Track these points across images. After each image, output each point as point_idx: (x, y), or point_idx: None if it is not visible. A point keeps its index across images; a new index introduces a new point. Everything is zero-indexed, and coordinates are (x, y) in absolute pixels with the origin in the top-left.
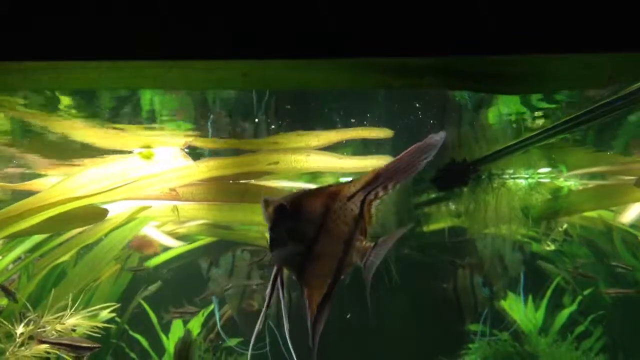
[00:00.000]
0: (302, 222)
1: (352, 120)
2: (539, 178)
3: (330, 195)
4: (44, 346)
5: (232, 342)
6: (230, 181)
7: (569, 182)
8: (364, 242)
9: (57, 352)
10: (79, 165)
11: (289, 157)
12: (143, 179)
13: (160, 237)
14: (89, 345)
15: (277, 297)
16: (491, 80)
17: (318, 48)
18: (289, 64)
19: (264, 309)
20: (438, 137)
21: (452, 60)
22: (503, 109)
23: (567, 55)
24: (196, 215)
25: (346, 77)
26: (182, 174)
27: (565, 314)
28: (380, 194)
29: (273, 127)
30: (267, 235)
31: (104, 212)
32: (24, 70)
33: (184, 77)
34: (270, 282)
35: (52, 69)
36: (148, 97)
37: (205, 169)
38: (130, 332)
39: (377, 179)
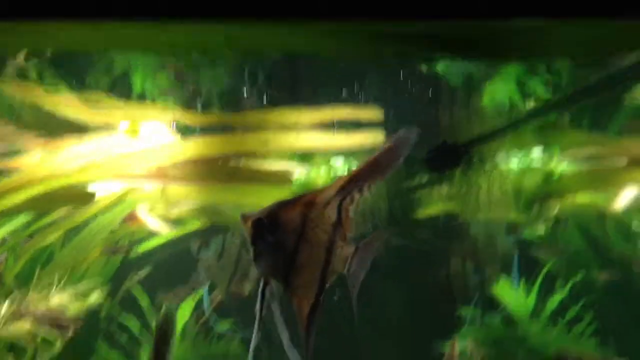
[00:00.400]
0: (282, 234)
1: (344, 98)
2: (532, 160)
3: (306, 203)
4: (28, 324)
5: (223, 326)
6: (220, 162)
7: (562, 164)
8: (345, 248)
9: (40, 328)
10: (62, 141)
11: (278, 136)
12: (129, 156)
13: (150, 221)
14: (70, 320)
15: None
16: (486, 48)
17: (303, 12)
18: (274, 29)
19: (256, 324)
20: (410, 133)
21: (447, 25)
22: (497, 91)
23: (566, 20)
24: (186, 197)
25: (332, 43)
26: (169, 151)
27: (556, 299)
28: (356, 197)
29: (264, 102)
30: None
31: (91, 195)
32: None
33: (166, 40)
34: (259, 296)
35: (32, 31)
36: (139, 74)
37: (193, 147)
38: (121, 316)
39: (352, 183)
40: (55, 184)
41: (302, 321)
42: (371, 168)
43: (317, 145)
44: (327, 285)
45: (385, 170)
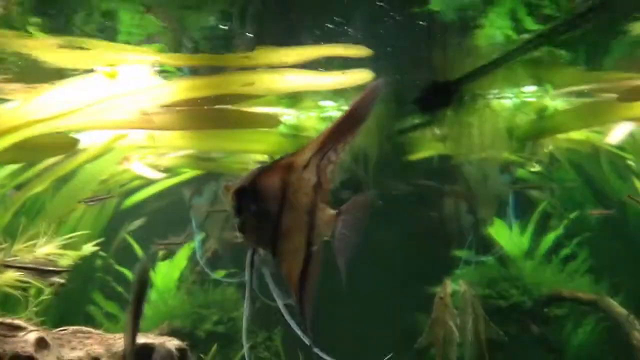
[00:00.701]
0: (263, 201)
1: (333, 37)
2: (525, 97)
3: (285, 167)
4: (13, 274)
5: (218, 274)
6: (206, 107)
7: (555, 101)
8: (327, 211)
9: (29, 277)
10: (42, 87)
11: (264, 77)
12: (111, 99)
13: (141, 169)
14: (55, 268)
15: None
16: None
17: None
18: None
19: (247, 293)
20: (376, 85)
21: None
22: (491, 27)
23: None
24: (175, 144)
25: None
26: (152, 94)
27: (550, 237)
28: (333, 157)
29: (250, 43)
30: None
31: (75, 142)
32: None
33: None
34: (248, 265)
35: None
36: (124, 16)
37: (177, 89)
38: (116, 267)
39: (326, 143)
40: (36, 131)
41: (293, 287)
42: (343, 127)
43: (304, 85)
44: (314, 249)
45: (357, 126)
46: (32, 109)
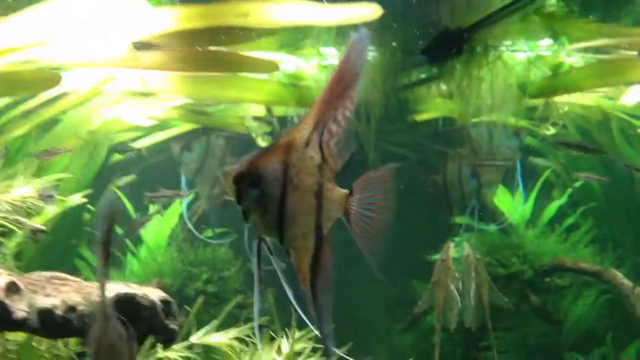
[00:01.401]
0: (266, 185)
1: None
2: (539, 51)
3: (284, 147)
4: None
5: (207, 233)
6: (199, 47)
7: (571, 57)
8: (337, 190)
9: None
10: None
11: (260, 7)
12: (93, 26)
13: (131, 117)
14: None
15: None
16: None
17: None
18: None
19: (256, 285)
20: (360, 35)
21: None
22: None
23: None
24: (166, 89)
25: None
26: (140, 22)
27: (554, 206)
28: (334, 129)
29: None
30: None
31: (57, 78)
32: None
33: None
34: (255, 255)
35: None
36: None
37: (166, 19)
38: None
39: (323, 113)
40: (9, 60)
41: (303, 274)
42: (335, 90)
43: (305, 19)
44: (325, 233)
45: (351, 88)
46: (6, 36)
